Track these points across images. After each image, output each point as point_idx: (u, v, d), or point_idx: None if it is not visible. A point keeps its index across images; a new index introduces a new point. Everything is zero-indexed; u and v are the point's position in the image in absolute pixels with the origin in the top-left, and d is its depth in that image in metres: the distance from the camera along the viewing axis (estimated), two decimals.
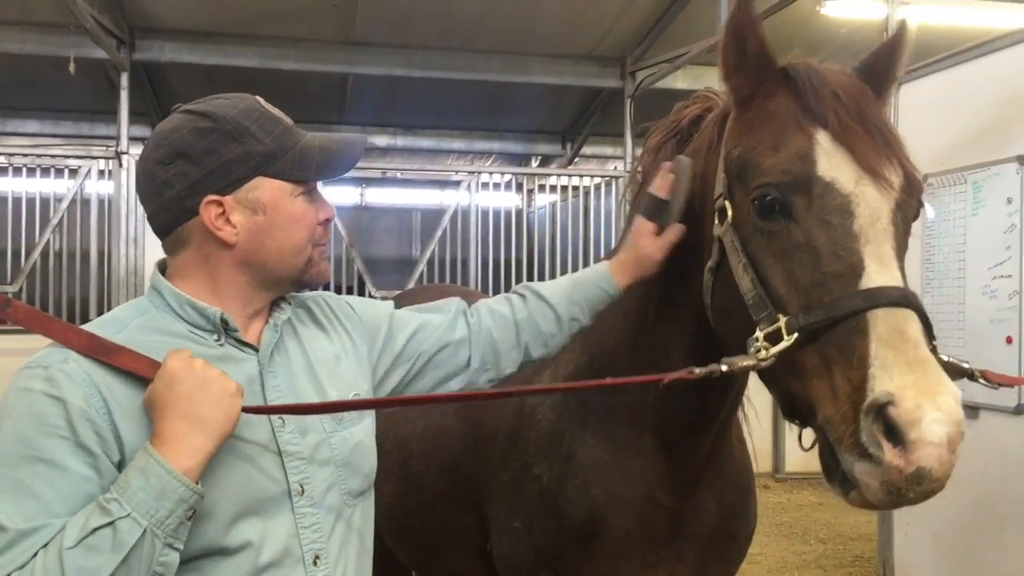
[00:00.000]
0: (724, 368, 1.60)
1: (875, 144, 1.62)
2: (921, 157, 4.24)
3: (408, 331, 1.87)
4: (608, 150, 11.56)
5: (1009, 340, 3.79)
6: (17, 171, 7.79)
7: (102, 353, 1.38)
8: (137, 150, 7.99)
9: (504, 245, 8.72)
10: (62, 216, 7.71)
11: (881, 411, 1.38)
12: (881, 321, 1.46)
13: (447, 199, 9.67)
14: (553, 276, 8.60)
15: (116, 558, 1.23)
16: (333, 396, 1.65)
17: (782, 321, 1.56)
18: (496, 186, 8.88)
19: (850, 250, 1.55)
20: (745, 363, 1.59)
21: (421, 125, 11.17)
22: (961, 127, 4.07)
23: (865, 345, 1.45)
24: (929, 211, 4.17)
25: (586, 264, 8.81)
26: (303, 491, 1.52)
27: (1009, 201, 3.79)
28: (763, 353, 1.56)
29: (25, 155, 7.97)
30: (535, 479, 2.20)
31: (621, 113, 9.15)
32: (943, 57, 4.22)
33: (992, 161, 3.87)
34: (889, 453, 1.37)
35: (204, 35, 8.25)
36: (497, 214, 8.73)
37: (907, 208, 1.64)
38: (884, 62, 1.84)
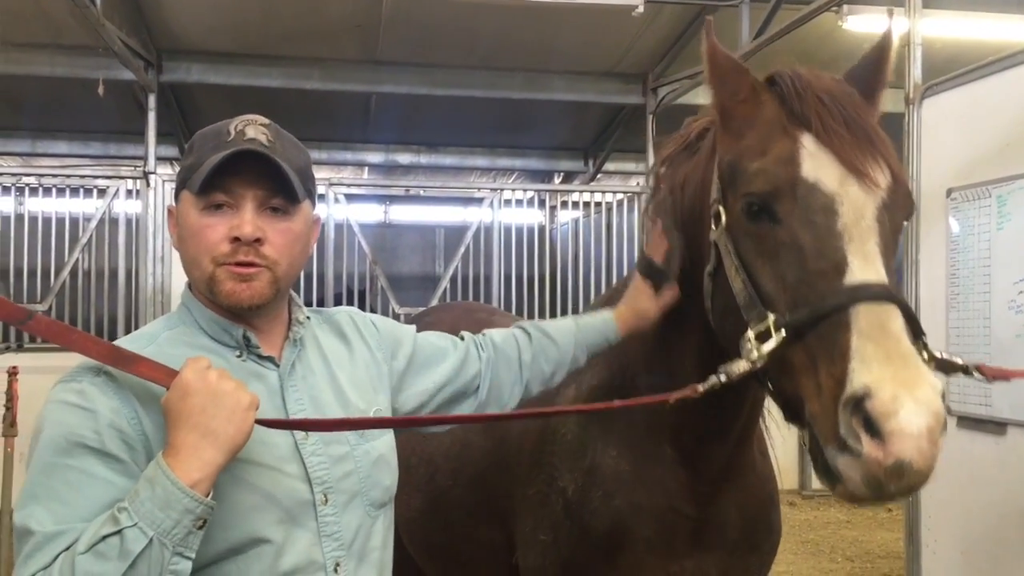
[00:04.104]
0: (723, 378, 1.64)
1: (859, 144, 1.64)
2: (944, 171, 4.25)
3: (425, 355, 1.93)
4: (631, 166, 11.57)
5: None
6: (47, 191, 7.91)
7: (121, 363, 1.42)
8: (164, 170, 8.10)
9: (527, 261, 8.75)
10: (91, 235, 7.83)
11: (859, 404, 1.39)
12: (863, 316, 1.48)
13: (470, 216, 9.72)
14: (576, 292, 8.71)
15: (123, 565, 1.26)
16: (355, 411, 1.68)
17: (770, 319, 1.59)
18: (519, 203, 8.90)
19: (834, 248, 1.57)
20: (741, 369, 1.62)
21: (444, 143, 11.23)
22: (984, 141, 4.04)
23: (846, 340, 1.47)
24: (953, 226, 4.15)
25: (609, 280, 8.84)
26: (327, 500, 1.56)
27: None
28: (755, 354, 1.60)
29: (55, 175, 8.11)
30: (560, 492, 2.24)
31: (643, 129, 9.14)
32: (966, 71, 4.20)
33: (1016, 175, 3.84)
34: (867, 445, 1.38)
35: (230, 56, 8.36)
36: (520, 231, 8.76)
37: (894, 208, 1.65)
38: (871, 68, 1.87)
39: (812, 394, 1.52)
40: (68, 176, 8.11)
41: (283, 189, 1.55)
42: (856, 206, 1.59)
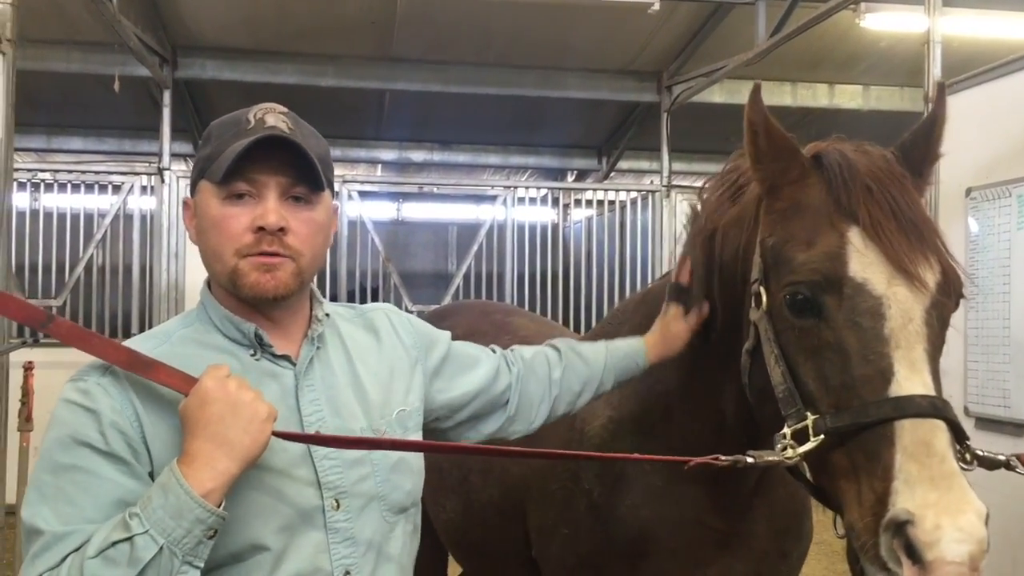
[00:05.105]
0: (750, 460, 1.63)
1: (909, 241, 1.60)
2: (964, 170, 4.21)
3: (459, 361, 1.90)
4: (644, 164, 11.53)
5: None
6: (62, 187, 7.93)
7: (139, 368, 1.41)
8: (179, 166, 8.10)
9: (540, 260, 8.72)
10: (105, 231, 7.84)
11: (901, 528, 1.39)
12: (908, 432, 1.45)
13: (483, 214, 9.68)
14: (589, 291, 8.69)
15: (132, 572, 1.25)
16: (378, 410, 1.64)
17: (809, 420, 1.57)
18: (532, 201, 8.88)
19: (880, 354, 1.53)
20: (771, 458, 1.61)
21: (457, 140, 11.22)
22: (1005, 140, 4.00)
23: (890, 456, 1.45)
24: (973, 225, 4.11)
25: (622, 279, 8.81)
26: (338, 505, 1.51)
27: None
28: (789, 452, 1.58)
29: (70, 171, 8.12)
30: (585, 492, 2.23)
31: (657, 127, 9.10)
32: (986, 69, 4.15)
33: None
34: (908, 571, 1.38)
35: (244, 53, 8.37)
36: (533, 229, 8.74)
37: (943, 307, 1.62)
38: (923, 140, 1.81)
39: (852, 502, 1.51)
40: (83, 172, 8.11)
41: (306, 177, 1.52)
42: (904, 309, 1.56)
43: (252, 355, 1.55)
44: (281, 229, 1.49)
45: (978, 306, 4.06)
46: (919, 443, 1.44)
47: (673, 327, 2.09)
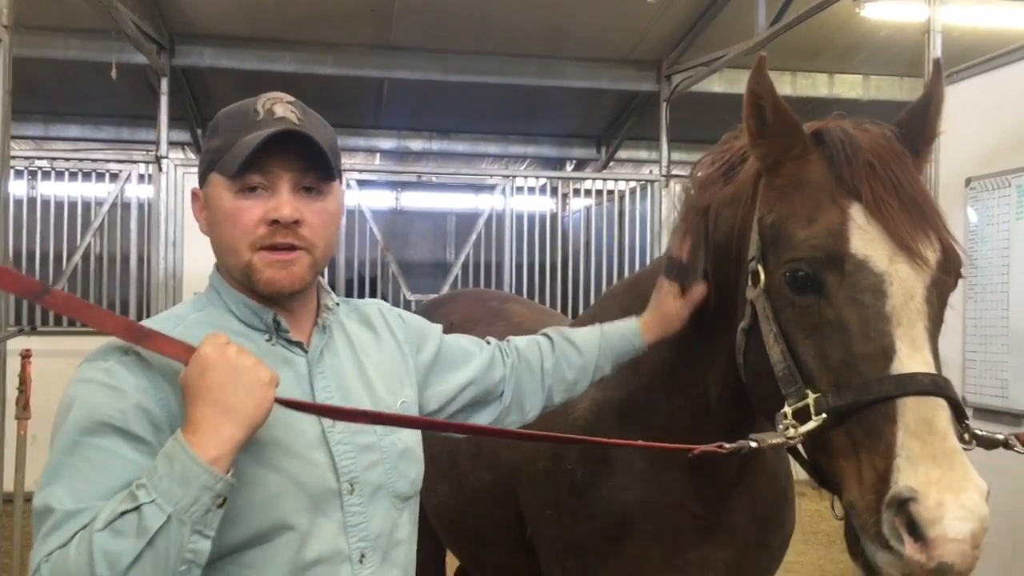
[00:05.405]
0: (753, 444, 1.62)
1: (911, 218, 1.60)
2: (963, 160, 4.20)
3: (452, 355, 1.91)
4: (643, 154, 11.51)
5: None
6: (59, 175, 7.92)
7: (137, 338, 1.40)
8: (176, 154, 8.08)
9: (539, 249, 8.72)
10: (103, 220, 7.84)
11: (903, 505, 1.39)
12: (910, 409, 1.45)
13: (482, 203, 9.69)
14: (587, 280, 8.69)
15: (140, 543, 1.23)
16: (384, 401, 1.66)
17: (811, 399, 1.56)
18: (531, 190, 8.87)
19: (881, 331, 1.53)
20: (774, 441, 1.60)
21: (456, 129, 11.20)
22: (1005, 130, 3.99)
23: (892, 433, 1.44)
24: (972, 215, 4.10)
25: (620, 269, 8.81)
26: (353, 490, 1.53)
27: None
28: (791, 432, 1.57)
29: (67, 159, 8.11)
30: (568, 473, 2.24)
31: (657, 117, 9.08)
32: (986, 59, 4.14)
33: None
34: (910, 548, 1.38)
35: (242, 40, 8.34)
36: (532, 218, 8.74)
37: (943, 285, 1.62)
38: (921, 118, 1.81)
39: (852, 480, 1.50)
40: (80, 160, 8.10)
41: (317, 168, 1.53)
42: (905, 287, 1.56)
43: (267, 340, 1.56)
44: (296, 221, 1.50)
45: (977, 296, 4.06)
46: (921, 421, 1.44)
47: (669, 305, 2.06)
